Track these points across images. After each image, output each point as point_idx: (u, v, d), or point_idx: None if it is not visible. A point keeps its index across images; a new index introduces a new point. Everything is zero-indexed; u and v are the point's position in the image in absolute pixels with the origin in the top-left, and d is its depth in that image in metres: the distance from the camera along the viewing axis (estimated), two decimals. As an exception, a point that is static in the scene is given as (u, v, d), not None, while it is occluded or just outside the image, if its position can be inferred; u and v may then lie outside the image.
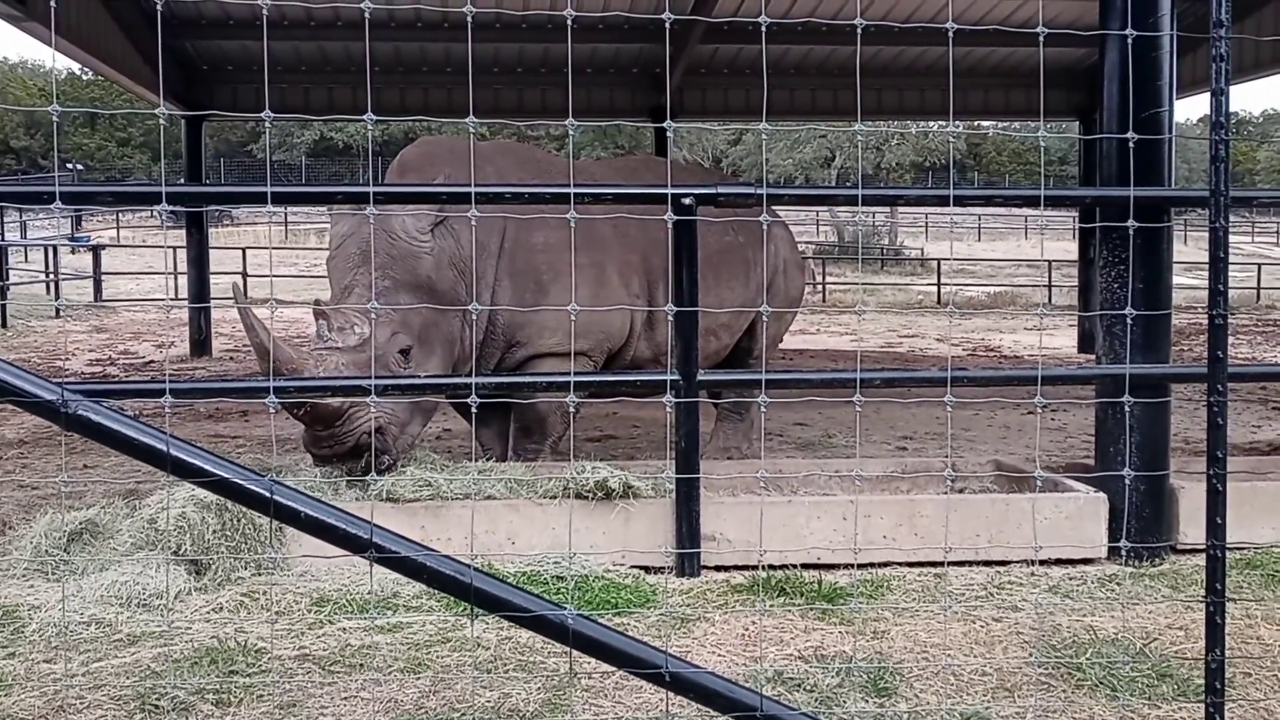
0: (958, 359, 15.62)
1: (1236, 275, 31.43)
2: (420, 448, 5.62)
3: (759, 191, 4.51)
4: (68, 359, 14.38)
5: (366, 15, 2.51)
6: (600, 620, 2.18)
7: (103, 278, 22.99)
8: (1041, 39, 3.11)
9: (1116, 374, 4.88)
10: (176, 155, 17.18)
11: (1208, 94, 2.57)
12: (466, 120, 2.69)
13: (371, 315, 4.90)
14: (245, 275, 25.30)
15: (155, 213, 39.41)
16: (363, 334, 5.04)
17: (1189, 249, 31.83)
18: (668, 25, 2.61)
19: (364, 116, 2.44)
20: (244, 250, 26.12)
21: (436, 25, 13.75)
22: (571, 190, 4.67)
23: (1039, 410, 5.17)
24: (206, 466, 2.09)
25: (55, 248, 23.75)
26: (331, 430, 4.97)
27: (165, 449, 2.07)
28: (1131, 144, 3.95)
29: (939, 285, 28.11)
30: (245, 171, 47.83)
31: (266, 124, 2.64)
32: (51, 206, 2.64)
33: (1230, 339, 18.11)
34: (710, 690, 2.22)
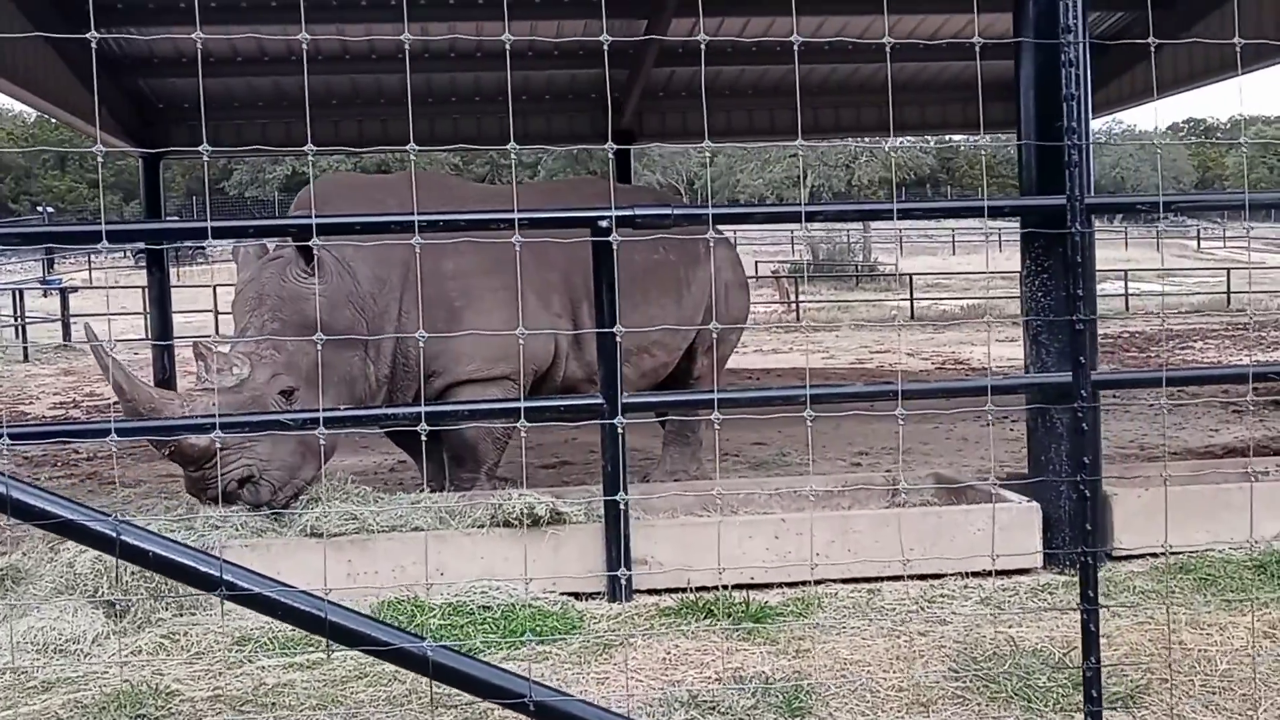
0: (926, 373, 15.64)
1: (1207, 280, 31.59)
2: (355, 482, 5.55)
3: (675, 212, 4.48)
4: (32, 402, 14.27)
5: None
6: (461, 650, 2.14)
7: (71, 320, 22.85)
8: (978, 49, 3.12)
9: (1050, 382, 4.85)
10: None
11: (1133, 105, 2.57)
12: (421, 149, 2.66)
13: (253, 356, 4.90)
14: (217, 312, 25.20)
15: (128, 253, 39.29)
16: (240, 375, 5.03)
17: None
18: (605, 49, 2.60)
19: (312, 149, 2.42)
20: (214, 288, 26.01)
21: (418, 55, 13.71)
22: (497, 217, 4.63)
23: (990, 421, 5.17)
24: (49, 508, 2.05)
25: (22, 291, 23.60)
26: (202, 472, 4.94)
27: (5, 491, 2.03)
28: (1033, 151, 3.96)
29: (912, 300, 28.18)
30: (218, 209, 47.70)
31: (204, 159, 2.67)
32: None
33: (1199, 343, 17.95)
34: (578, 718, 2.18)
